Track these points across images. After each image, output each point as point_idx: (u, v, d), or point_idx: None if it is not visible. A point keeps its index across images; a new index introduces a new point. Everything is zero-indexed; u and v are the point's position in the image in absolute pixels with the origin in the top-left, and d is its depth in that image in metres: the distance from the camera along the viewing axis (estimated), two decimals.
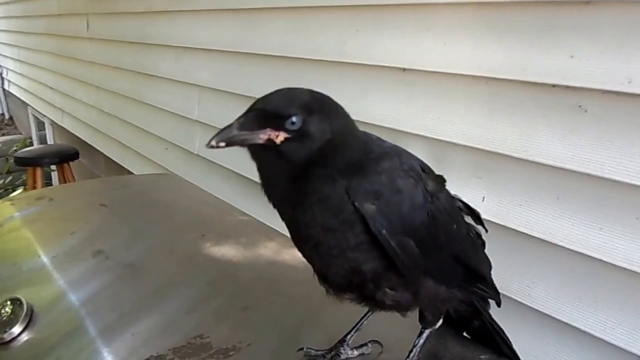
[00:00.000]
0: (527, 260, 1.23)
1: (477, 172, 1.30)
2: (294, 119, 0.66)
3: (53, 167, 4.67)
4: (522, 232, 1.22)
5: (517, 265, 1.25)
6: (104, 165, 4.14)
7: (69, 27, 4.26)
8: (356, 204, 0.68)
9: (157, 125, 3.00)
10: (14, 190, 5.37)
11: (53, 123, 5.45)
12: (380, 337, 0.92)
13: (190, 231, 1.43)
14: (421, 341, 0.83)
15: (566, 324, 1.17)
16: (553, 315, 1.19)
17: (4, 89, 7.88)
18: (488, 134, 1.25)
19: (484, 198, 1.28)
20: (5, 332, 1.00)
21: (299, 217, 0.71)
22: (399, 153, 0.76)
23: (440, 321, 0.84)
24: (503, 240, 1.25)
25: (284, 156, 0.67)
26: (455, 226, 0.81)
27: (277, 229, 1.33)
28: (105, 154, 3.88)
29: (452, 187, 0.85)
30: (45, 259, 1.27)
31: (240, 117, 0.66)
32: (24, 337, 1.00)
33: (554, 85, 1.12)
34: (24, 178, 4.65)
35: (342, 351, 0.90)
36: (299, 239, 0.75)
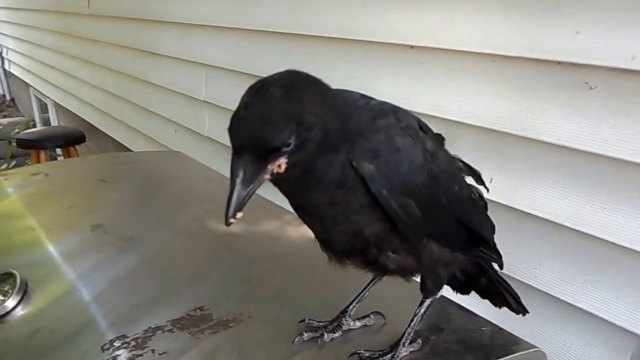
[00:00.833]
0: (533, 241, 1.29)
1: (485, 152, 1.35)
2: (288, 142, 0.63)
3: (59, 151, 4.66)
4: (528, 213, 1.27)
5: (523, 246, 1.30)
6: (113, 149, 4.14)
7: (70, 3, 4.27)
8: (354, 163, 0.68)
9: (164, 106, 3.03)
10: None
11: (56, 104, 5.49)
12: (383, 308, 0.95)
13: (193, 206, 1.45)
14: (422, 310, 0.86)
15: (571, 305, 1.22)
16: (559, 296, 1.24)
17: (4, 69, 7.90)
18: (495, 113, 1.30)
19: (491, 179, 1.33)
20: None
21: (307, 195, 0.72)
22: (394, 110, 0.76)
23: (442, 291, 0.87)
24: (510, 222, 1.30)
25: (292, 174, 0.66)
26: (456, 187, 0.82)
27: (282, 206, 1.35)
28: (113, 136, 3.91)
29: None
30: (40, 232, 1.30)
31: (236, 171, 0.63)
32: (19, 311, 1.03)
33: (559, 63, 1.16)
34: (29, 163, 4.69)
35: (344, 322, 0.92)
36: (302, 208, 0.76)
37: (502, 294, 0.98)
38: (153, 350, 0.89)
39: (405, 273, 0.83)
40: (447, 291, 0.97)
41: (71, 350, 0.94)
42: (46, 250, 1.23)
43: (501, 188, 1.31)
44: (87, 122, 4.39)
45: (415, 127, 0.77)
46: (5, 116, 7.36)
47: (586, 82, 1.12)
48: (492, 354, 0.86)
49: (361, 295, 0.94)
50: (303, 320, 0.93)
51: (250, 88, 0.66)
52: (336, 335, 0.91)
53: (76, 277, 1.12)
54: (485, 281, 0.98)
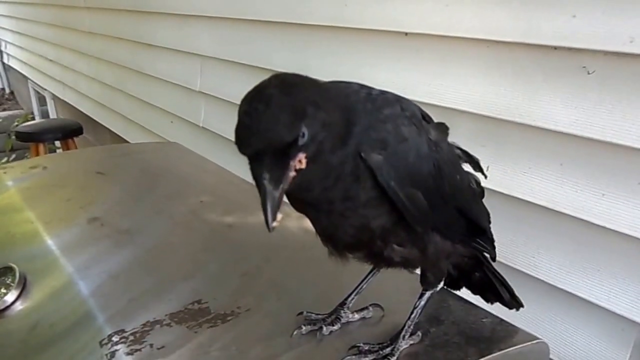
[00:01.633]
0: (532, 230, 1.26)
1: (481, 140, 1.32)
2: (301, 133, 0.60)
3: (58, 143, 4.68)
4: (526, 201, 1.24)
5: (521, 235, 1.28)
6: (110, 141, 4.16)
7: None
8: (363, 154, 0.67)
9: (161, 97, 3.02)
10: None
11: (55, 97, 5.50)
12: (382, 300, 0.93)
13: (190, 198, 1.45)
14: (422, 302, 0.84)
15: (571, 294, 1.20)
16: (558, 285, 1.22)
17: (3, 63, 7.91)
18: (491, 99, 1.27)
19: (488, 167, 1.30)
20: None
21: (326, 193, 0.68)
22: (398, 99, 0.74)
23: (442, 283, 0.85)
24: (508, 210, 1.28)
25: (312, 170, 0.63)
26: (458, 177, 0.81)
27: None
28: (110, 128, 3.91)
29: None
30: (38, 225, 1.29)
31: (261, 174, 0.60)
32: (18, 305, 1.03)
33: (555, 47, 1.13)
34: (28, 155, 4.69)
35: (343, 315, 0.90)
36: (315, 205, 0.72)
37: (495, 288, 0.96)
38: (151, 345, 0.88)
39: (409, 265, 0.82)
40: None
41: (70, 345, 0.94)
42: (45, 244, 1.23)
43: (498, 175, 1.29)
44: (85, 114, 4.39)
45: (418, 116, 0.75)
46: (4, 109, 7.36)
47: (584, 67, 1.10)
48: (493, 346, 0.85)
49: (359, 287, 0.93)
50: (301, 313, 0.92)
51: (245, 97, 0.63)
52: (335, 328, 0.89)
53: (74, 271, 1.12)
54: (479, 275, 0.97)
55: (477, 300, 1.00)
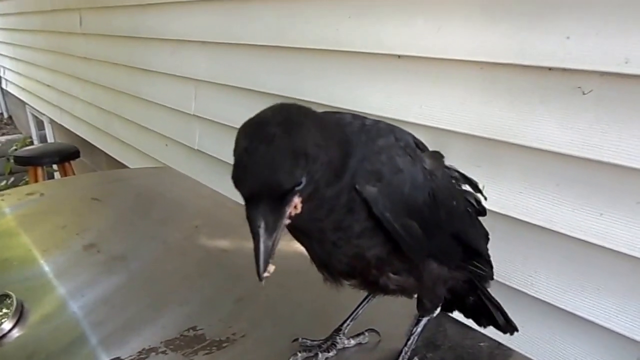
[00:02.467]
0: (529, 249, 1.24)
1: (476, 160, 1.31)
2: (300, 181, 0.58)
3: (55, 167, 4.68)
4: (522, 221, 1.22)
5: (518, 254, 1.26)
6: (106, 164, 4.16)
7: (62, 22, 4.28)
8: (357, 187, 0.65)
9: (156, 121, 3.02)
10: None
11: (52, 121, 5.49)
12: (378, 325, 0.92)
13: (184, 223, 1.44)
14: (419, 329, 0.83)
15: (570, 312, 1.18)
16: (557, 304, 1.20)
17: (1, 88, 7.93)
18: (486, 121, 1.26)
19: (484, 187, 1.28)
20: None
21: (317, 224, 0.67)
22: (391, 128, 0.73)
23: (439, 309, 0.84)
24: (504, 230, 1.26)
25: (306, 210, 0.61)
26: (454, 202, 0.80)
27: None
28: (106, 151, 3.90)
29: None
30: (35, 252, 1.28)
31: (256, 222, 0.58)
32: (15, 333, 1.01)
33: (550, 69, 1.12)
34: (26, 179, 4.68)
35: (339, 340, 0.89)
36: (307, 233, 0.71)
37: (489, 312, 0.94)
38: None
39: (405, 292, 0.80)
40: None
41: None
42: (41, 270, 1.22)
43: (494, 196, 1.27)
44: (82, 138, 4.38)
45: (412, 145, 0.74)
46: (3, 134, 7.36)
47: (579, 87, 1.08)
48: None
49: (355, 312, 0.91)
50: (297, 339, 0.90)
51: (246, 130, 0.59)
52: (330, 354, 0.88)
53: (70, 298, 1.10)
54: (473, 299, 0.95)
55: (473, 323, 0.97)
